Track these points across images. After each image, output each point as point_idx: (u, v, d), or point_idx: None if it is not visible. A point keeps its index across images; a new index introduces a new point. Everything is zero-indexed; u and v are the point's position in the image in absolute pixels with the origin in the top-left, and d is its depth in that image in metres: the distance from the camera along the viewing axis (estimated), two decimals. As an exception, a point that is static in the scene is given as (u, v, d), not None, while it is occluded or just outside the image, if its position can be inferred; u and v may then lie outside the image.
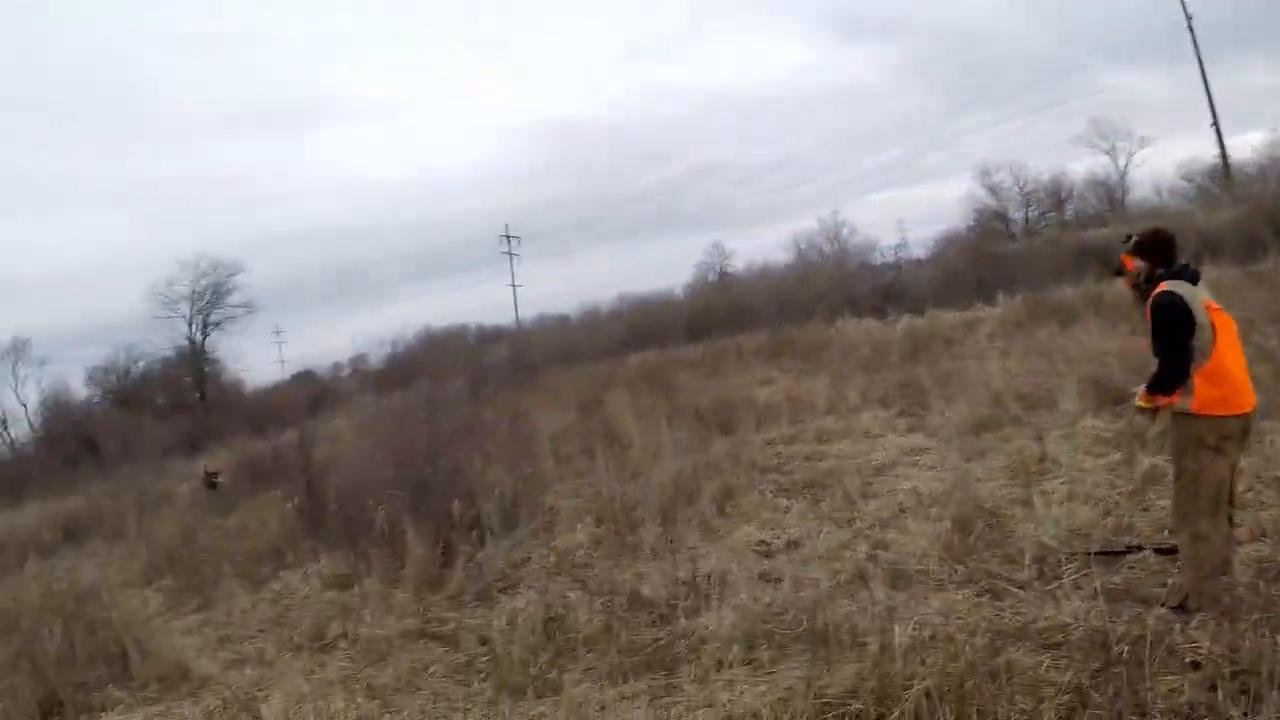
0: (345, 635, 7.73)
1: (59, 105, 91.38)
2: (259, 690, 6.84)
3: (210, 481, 15.50)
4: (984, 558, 6.54)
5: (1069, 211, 50.05)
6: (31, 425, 46.36)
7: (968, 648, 4.96)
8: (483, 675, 6.52)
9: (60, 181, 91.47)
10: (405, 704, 6.23)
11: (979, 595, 6.03)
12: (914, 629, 5.31)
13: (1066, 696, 4.47)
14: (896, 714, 4.59)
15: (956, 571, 6.42)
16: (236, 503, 15.31)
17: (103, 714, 7.04)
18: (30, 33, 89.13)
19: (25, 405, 47.57)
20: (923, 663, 4.92)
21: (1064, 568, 6.12)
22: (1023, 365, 13.49)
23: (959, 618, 5.65)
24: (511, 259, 62.70)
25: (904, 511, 7.82)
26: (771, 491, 9.25)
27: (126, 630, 8.12)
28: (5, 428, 47.00)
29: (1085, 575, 5.92)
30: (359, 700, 6.27)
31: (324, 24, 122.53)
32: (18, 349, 48.04)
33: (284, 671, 7.17)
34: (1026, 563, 6.28)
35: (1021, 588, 5.98)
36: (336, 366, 61.16)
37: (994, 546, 6.71)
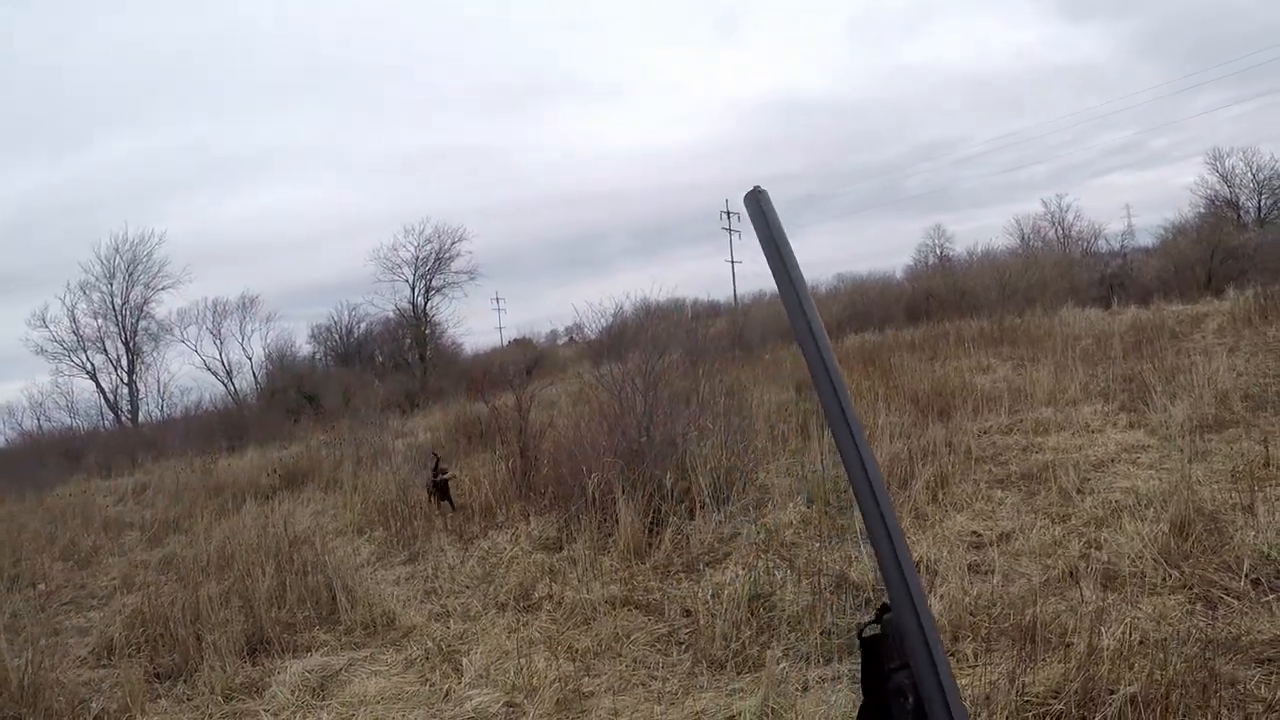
0: (550, 597, 7.96)
1: (297, 81, 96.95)
2: (462, 644, 7.15)
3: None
4: (1200, 563, 6.38)
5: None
6: (256, 377, 48.44)
7: (1177, 656, 4.95)
8: (683, 646, 6.70)
9: (300, 151, 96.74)
10: (605, 668, 6.46)
11: (1192, 602, 5.94)
12: (1123, 632, 5.32)
13: (1275, 715, 4.43)
14: (1099, 718, 4.64)
15: (1171, 576, 6.31)
16: (451, 460, 15.80)
17: (308, 654, 7.35)
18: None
19: (250, 358, 49.65)
20: (1130, 668, 4.96)
21: (1283, 580, 5.94)
22: (1251, 364, 12.96)
23: (1170, 624, 5.60)
24: (731, 235, 62.91)
25: (1120, 510, 7.67)
26: (986, 482, 9.21)
27: (336, 576, 8.49)
28: (231, 378, 49.63)
29: (1305, 590, 5.77)
30: (560, 661, 6.54)
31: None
32: (246, 305, 50.30)
33: (487, 628, 7.41)
34: (1244, 572, 6.10)
35: (1237, 598, 5.86)
36: (553, 334, 62.24)
37: (1211, 553, 6.53)
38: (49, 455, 29.13)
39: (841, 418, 1.26)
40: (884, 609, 1.26)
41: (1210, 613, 5.76)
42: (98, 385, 46.77)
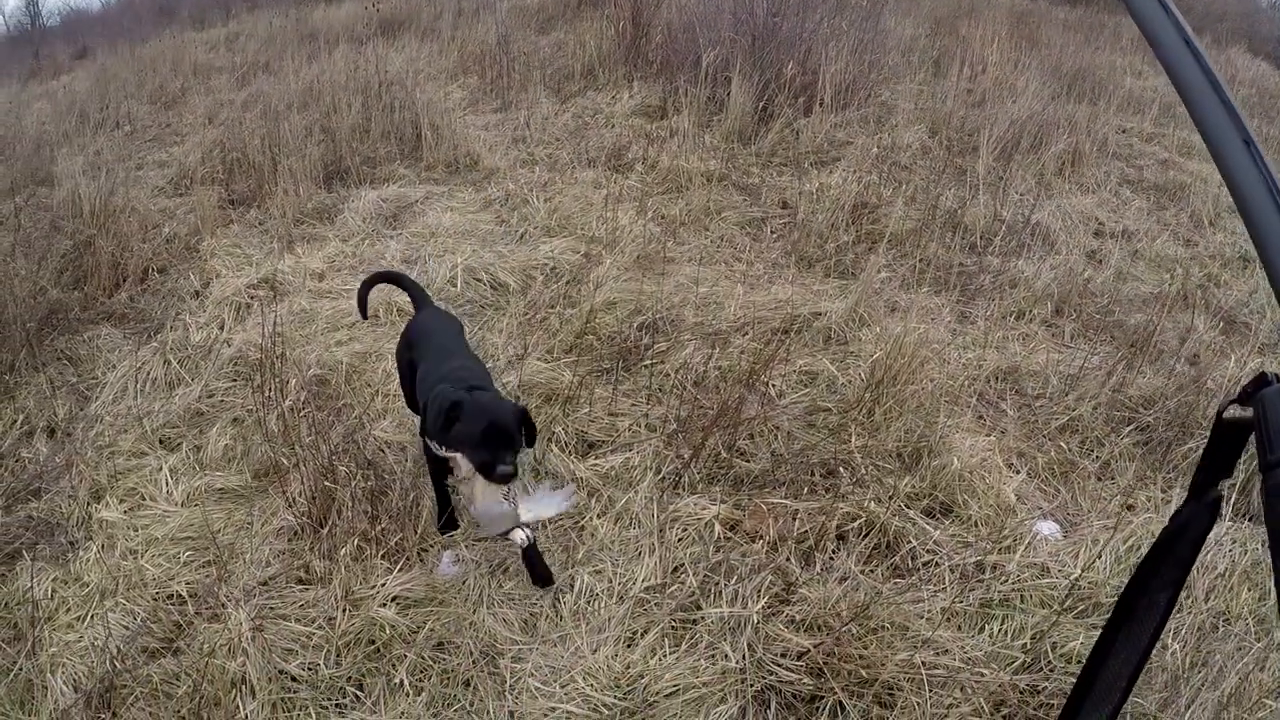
0: (644, 160, 7.62)
1: None
2: (544, 191, 6.91)
3: None
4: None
5: None
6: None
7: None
8: (775, 236, 6.45)
9: None
10: (691, 239, 6.26)
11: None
12: (1233, 378, 4.95)
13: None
14: (1187, 448, 4.39)
15: (1290, 350, 5.86)
16: (557, 22, 14.90)
17: (385, 185, 7.22)
18: None
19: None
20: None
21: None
22: None
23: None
24: None
25: (1251, 260, 7.06)
26: (1116, 178, 8.51)
27: (425, 115, 8.17)
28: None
29: None
30: (646, 223, 6.28)
31: None
32: None
33: (574, 180, 7.18)
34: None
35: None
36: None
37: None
38: (143, 12, 27.72)
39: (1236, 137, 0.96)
40: (1261, 380, 0.92)
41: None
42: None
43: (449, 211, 6.65)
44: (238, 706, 2.93)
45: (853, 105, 9.00)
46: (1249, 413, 0.92)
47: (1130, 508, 4.04)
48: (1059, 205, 7.36)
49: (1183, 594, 3.51)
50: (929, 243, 6.18)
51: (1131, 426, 4.57)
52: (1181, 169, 9.28)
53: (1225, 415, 0.97)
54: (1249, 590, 3.64)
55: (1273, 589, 3.92)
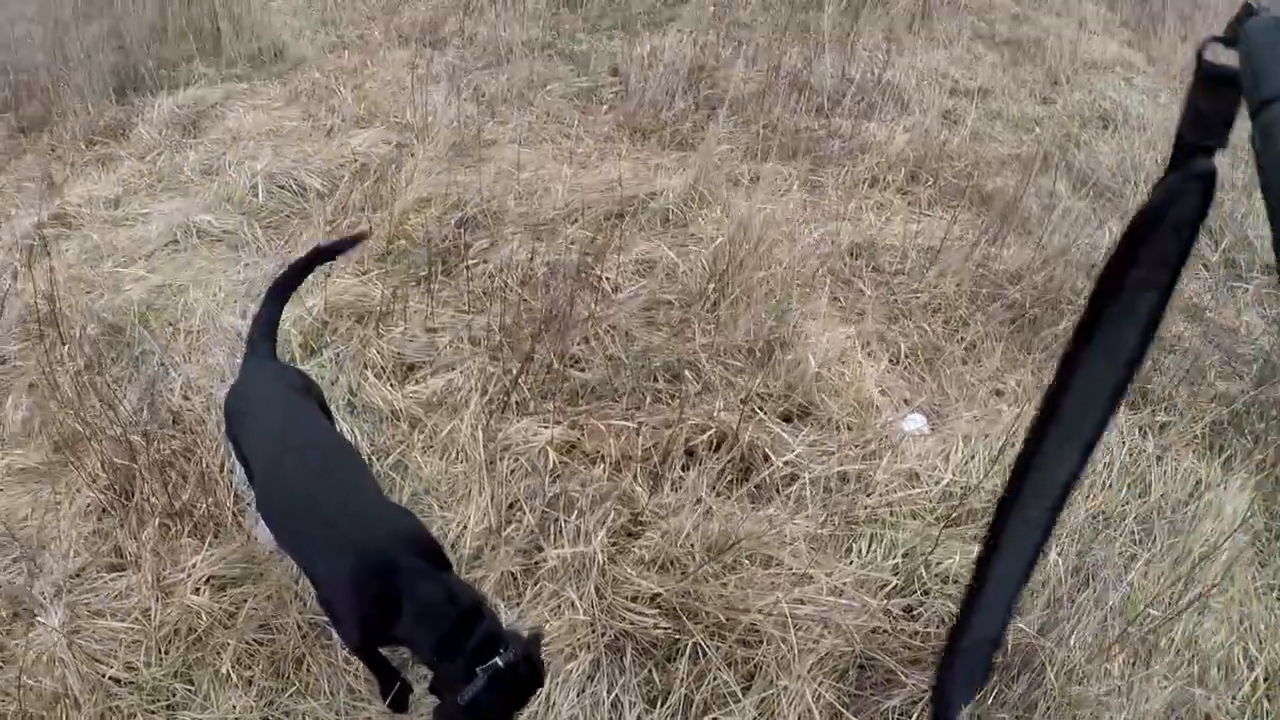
0: (462, 33, 7.00)
1: None
2: (355, 79, 6.29)
3: None
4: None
5: None
6: None
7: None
8: (606, 108, 5.94)
9: None
10: (513, 117, 5.65)
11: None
12: (1090, 248, 4.74)
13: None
14: (1060, 328, 4.11)
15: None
16: None
17: (184, 89, 6.39)
18: None
19: None
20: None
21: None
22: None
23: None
24: None
25: (1107, 123, 6.81)
26: (969, 34, 8.14)
27: (224, 7, 7.30)
28: None
29: None
30: (462, 102, 5.73)
31: None
32: None
33: (385, 62, 6.54)
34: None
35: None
36: None
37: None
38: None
39: None
40: (1246, 10, 0.63)
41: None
42: None
43: (253, 110, 5.94)
44: (63, 725, 2.50)
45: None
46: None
47: (999, 393, 3.76)
48: (910, 63, 6.97)
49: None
50: (773, 106, 5.72)
51: (997, 304, 4.27)
52: (1034, 23, 9.00)
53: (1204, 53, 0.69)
54: (1129, 486, 3.38)
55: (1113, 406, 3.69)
